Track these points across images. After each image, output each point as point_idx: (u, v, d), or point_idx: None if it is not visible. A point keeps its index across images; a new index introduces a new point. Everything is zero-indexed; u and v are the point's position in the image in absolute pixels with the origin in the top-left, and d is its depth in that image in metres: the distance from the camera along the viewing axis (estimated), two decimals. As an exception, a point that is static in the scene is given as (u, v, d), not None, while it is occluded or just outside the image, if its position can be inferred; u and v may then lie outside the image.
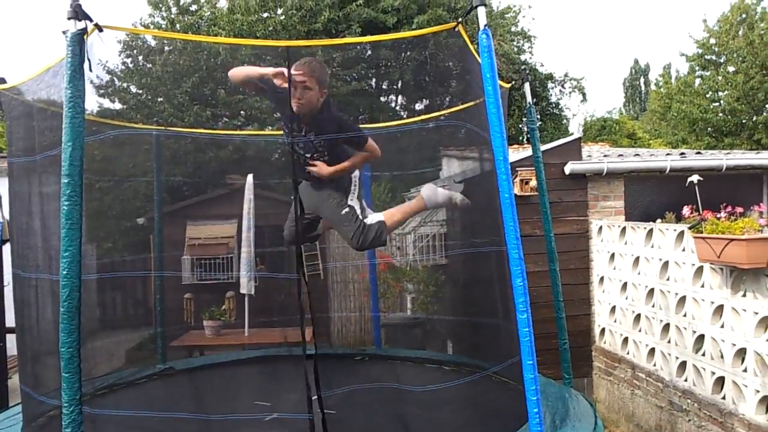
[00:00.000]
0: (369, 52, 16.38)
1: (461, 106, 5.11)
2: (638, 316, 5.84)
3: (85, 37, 2.95)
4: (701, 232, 4.59)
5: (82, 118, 2.90)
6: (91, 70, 2.99)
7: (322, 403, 3.32)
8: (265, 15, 15.54)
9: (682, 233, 5.12)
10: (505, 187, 3.17)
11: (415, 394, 4.49)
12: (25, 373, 3.95)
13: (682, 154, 7.81)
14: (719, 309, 4.65)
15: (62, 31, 2.98)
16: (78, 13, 2.93)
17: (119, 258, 9.79)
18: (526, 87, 4.86)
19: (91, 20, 3.02)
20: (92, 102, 13.18)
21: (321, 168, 3.80)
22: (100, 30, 3.17)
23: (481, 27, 3.19)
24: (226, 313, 7.57)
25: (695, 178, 4.81)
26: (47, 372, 3.73)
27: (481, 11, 3.24)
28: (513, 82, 4.97)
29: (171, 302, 7.51)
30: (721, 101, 16.96)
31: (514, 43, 17.72)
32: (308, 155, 3.80)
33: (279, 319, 7.00)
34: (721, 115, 16.61)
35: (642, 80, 37.49)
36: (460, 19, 3.65)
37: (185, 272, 8.48)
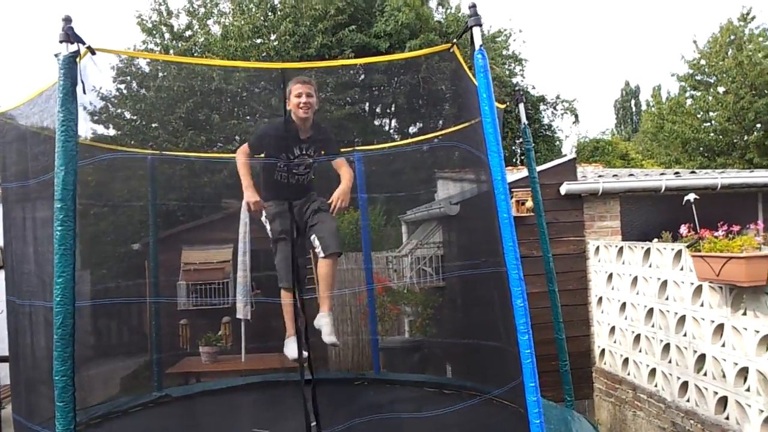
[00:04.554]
0: (362, 77, 16.47)
1: (457, 127, 5.12)
2: (638, 337, 5.80)
3: (77, 60, 2.94)
4: (699, 251, 4.58)
5: (75, 141, 2.88)
6: (84, 92, 2.98)
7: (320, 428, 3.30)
8: (259, 41, 15.65)
9: (680, 252, 5.11)
10: (503, 207, 3.15)
11: (416, 420, 4.42)
12: (18, 402, 3.88)
13: (677, 173, 7.83)
14: (720, 328, 4.62)
15: (54, 54, 2.97)
16: (70, 36, 2.93)
17: (114, 284, 9.71)
18: (521, 108, 4.87)
19: (83, 43, 3.01)
20: (86, 128, 13.14)
21: (345, 199, 4.20)
22: (93, 53, 3.17)
23: (476, 47, 3.20)
24: (222, 339, 7.49)
25: (692, 196, 4.81)
26: (40, 401, 3.66)
27: (476, 31, 3.25)
28: (507, 104, 4.98)
29: (167, 328, 7.43)
30: (713, 121, 17.07)
31: (506, 66, 17.86)
32: (304, 169, 4.23)
33: (276, 345, 6.92)
34: (712, 134, 16.70)
35: (633, 102, 37.88)
36: (455, 40, 3.66)
37: (181, 298, 8.40)
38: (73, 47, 2.96)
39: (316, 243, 4.25)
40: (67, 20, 2.98)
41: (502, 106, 4.95)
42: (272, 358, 6.81)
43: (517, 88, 5.45)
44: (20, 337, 3.84)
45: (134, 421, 4.83)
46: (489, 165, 3.27)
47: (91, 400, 5.13)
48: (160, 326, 5.87)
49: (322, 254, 4.20)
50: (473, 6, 3.29)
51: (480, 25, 3.27)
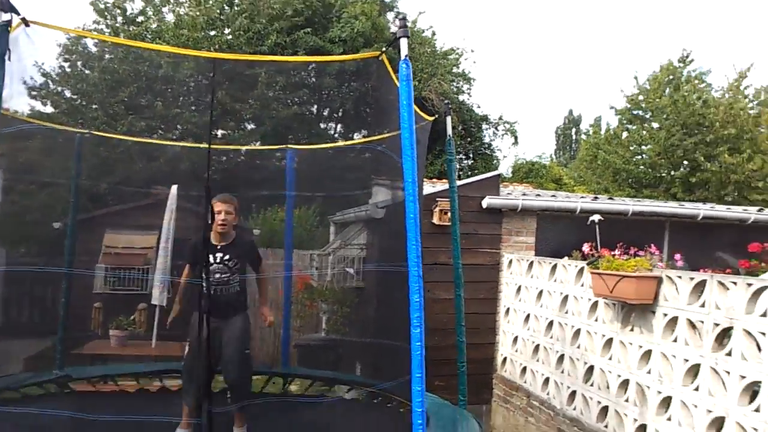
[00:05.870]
0: (313, 79, 16.57)
1: (383, 136, 5.30)
2: (537, 347, 6.08)
3: (9, 29, 2.99)
4: (598, 269, 4.86)
5: None
6: (9, 59, 3.01)
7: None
8: (213, 33, 15.54)
9: (582, 269, 5.40)
10: (411, 207, 3.32)
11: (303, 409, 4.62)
12: None
13: (595, 198, 8.21)
14: (609, 342, 4.91)
15: None
16: (4, 5, 2.97)
17: (32, 262, 9.47)
18: (448, 121, 5.06)
19: (17, 13, 3.06)
20: (23, 104, 12.87)
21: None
22: (27, 24, 3.20)
23: (402, 57, 3.37)
24: (134, 324, 7.41)
25: (596, 217, 5.10)
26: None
27: (403, 42, 3.43)
28: (435, 116, 5.18)
29: (79, 309, 7.31)
30: (644, 155, 17.87)
31: (454, 84, 18.25)
32: (225, 276, 4.32)
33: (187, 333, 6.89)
34: (642, 167, 17.49)
35: (574, 130, 39.17)
36: (383, 49, 3.84)
37: (97, 280, 8.27)
38: (6, 17, 3.01)
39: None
40: (3, -10, 3.01)
41: (431, 118, 5.15)
42: (181, 346, 6.78)
43: (446, 101, 5.70)
44: None
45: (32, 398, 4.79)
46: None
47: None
48: (69, 306, 5.79)
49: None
50: (403, 18, 3.49)
51: (407, 37, 3.46)
